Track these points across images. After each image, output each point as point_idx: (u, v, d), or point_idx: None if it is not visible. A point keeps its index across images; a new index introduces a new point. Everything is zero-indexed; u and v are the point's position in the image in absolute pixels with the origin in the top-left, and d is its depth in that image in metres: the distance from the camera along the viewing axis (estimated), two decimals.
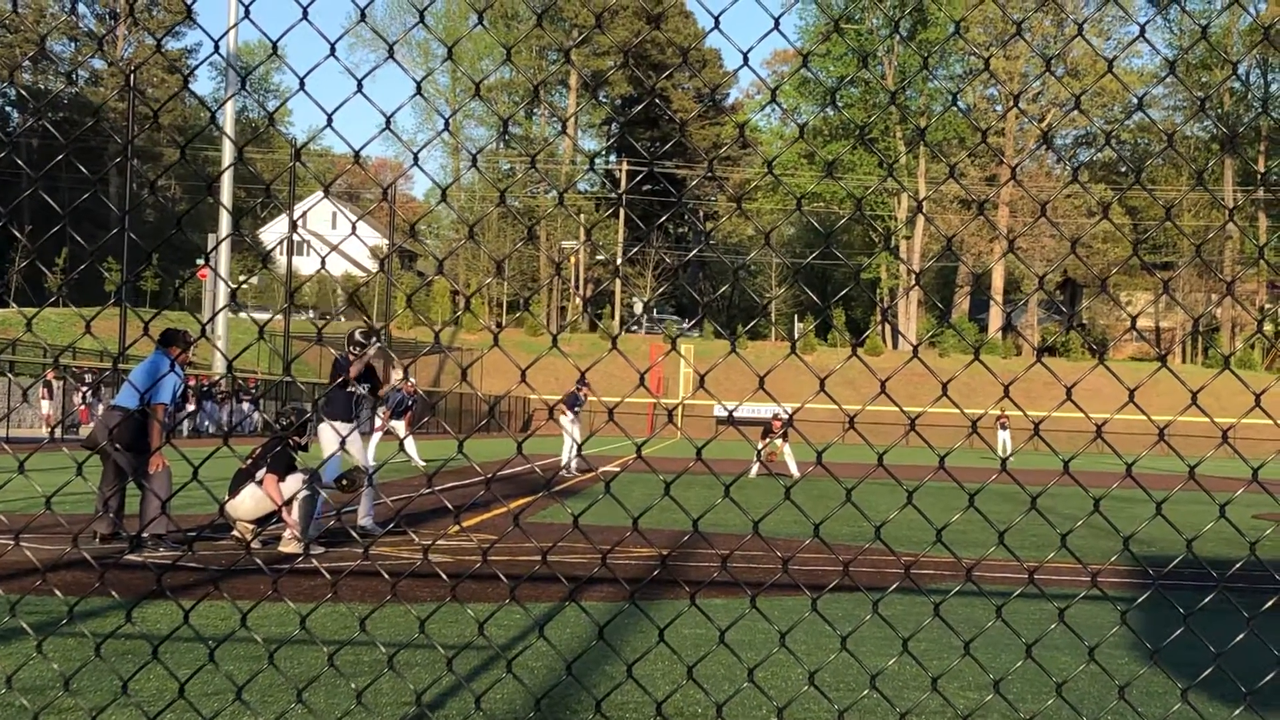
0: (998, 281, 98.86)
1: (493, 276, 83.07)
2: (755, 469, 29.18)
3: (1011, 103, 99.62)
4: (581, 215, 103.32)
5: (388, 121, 4.15)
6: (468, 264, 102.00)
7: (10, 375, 43.88)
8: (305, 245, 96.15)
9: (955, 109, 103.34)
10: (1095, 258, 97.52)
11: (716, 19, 4.18)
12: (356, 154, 4.12)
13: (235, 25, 4.26)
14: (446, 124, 4.31)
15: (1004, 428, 38.95)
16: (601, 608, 9.03)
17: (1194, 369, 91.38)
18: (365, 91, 4.14)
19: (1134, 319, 4.15)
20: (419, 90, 4.21)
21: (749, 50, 4.15)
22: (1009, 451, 34.18)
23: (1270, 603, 4.16)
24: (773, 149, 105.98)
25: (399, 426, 29.62)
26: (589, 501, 17.88)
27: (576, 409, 28.45)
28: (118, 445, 12.89)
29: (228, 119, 55.36)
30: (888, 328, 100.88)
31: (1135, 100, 3.82)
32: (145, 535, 12.55)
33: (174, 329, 12.84)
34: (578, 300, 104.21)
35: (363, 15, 4.05)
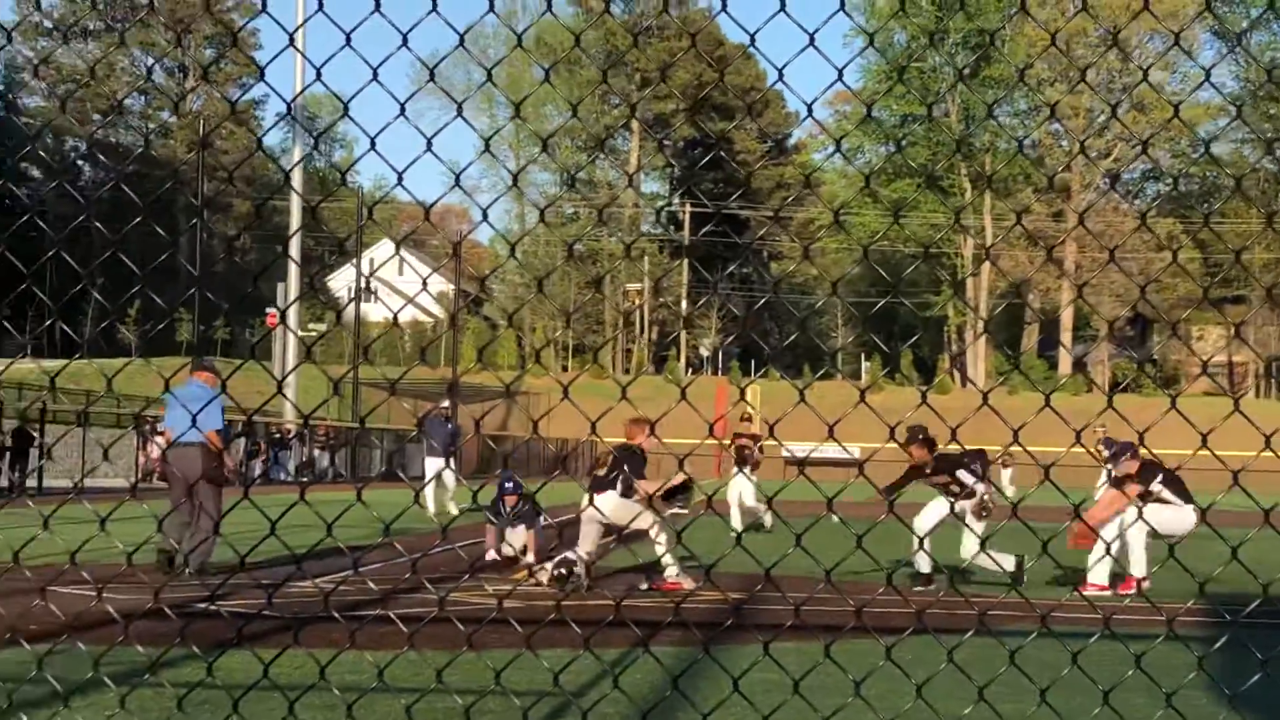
0: (1066, 319, 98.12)
1: (558, 331, 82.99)
2: (769, 518, 24.70)
3: (1078, 147, 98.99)
4: (646, 259, 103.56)
5: (457, 179, 4.22)
6: (533, 308, 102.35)
7: (84, 427, 44.39)
8: (373, 293, 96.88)
9: (1020, 146, 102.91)
10: (1166, 292, 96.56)
11: (780, 70, 4.23)
12: (427, 211, 4.20)
13: (306, 88, 4.35)
14: (515, 180, 4.37)
15: (1005, 466, 37.58)
16: (676, 653, 9.04)
17: (1269, 404, 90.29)
18: (433, 140, 4.21)
19: (1205, 364, 4.13)
20: (487, 147, 4.29)
21: (812, 102, 4.19)
22: (1012, 491, 32.87)
23: None
24: (837, 188, 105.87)
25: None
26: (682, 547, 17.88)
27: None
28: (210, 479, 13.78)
29: (295, 170, 55.94)
30: (957, 367, 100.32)
31: (1203, 141, 3.83)
32: (191, 561, 13.22)
33: (207, 358, 14.17)
34: (643, 343, 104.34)
35: (431, 76, 4.13)
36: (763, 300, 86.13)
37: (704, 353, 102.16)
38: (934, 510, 14.73)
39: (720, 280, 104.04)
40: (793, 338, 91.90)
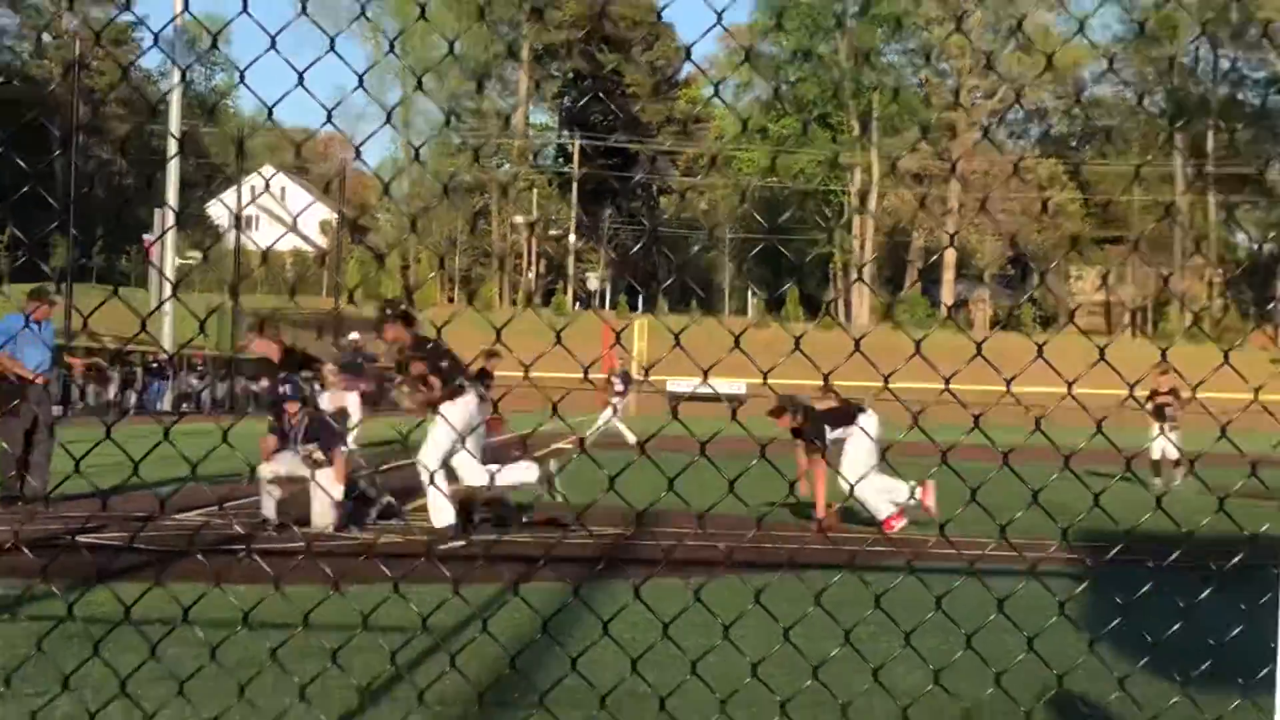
0: (950, 257, 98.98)
1: (433, 274, 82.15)
2: (632, 437, 29.75)
3: (953, 98, 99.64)
4: (535, 191, 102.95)
5: (328, 117, 4.13)
6: (419, 238, 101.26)
7: None
8: (254, 220, 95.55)
9: (908, 84, 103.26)
10: (1048, 232, 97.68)
11: (659, 13, 4.19)
12: (298, 149, 4.12)
13: (178, 15, 4.23)
14: (389, 117, 4.29)
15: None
16: (555, 589, 9.06)
17: (1146, 343, 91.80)
18: (320, 63, 4.13)
19: (1072, 314, 4.17)
20: (361, 83, 4.19)
21: (690, 46, 4.16)
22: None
23: (1222, 586, 4.20)
24: (726, 124, 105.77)
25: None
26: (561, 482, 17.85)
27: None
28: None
29: (174, 94, 54.93)
30: (842, 302, 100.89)
31: (1074, 95, 3.86)
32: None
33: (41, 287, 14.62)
34: (529, 277, 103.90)
35: (304, 8, 4.03)
36: (638, 244, 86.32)
37: (592, 287, 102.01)
38: (856, 460, 14.13)
39: (609, 206, 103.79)
40: (670, 282, 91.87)
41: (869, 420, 14.38)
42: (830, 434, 14.32)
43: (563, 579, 9.60)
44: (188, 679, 4.89)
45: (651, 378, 64.72)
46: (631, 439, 30.78)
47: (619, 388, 31.38)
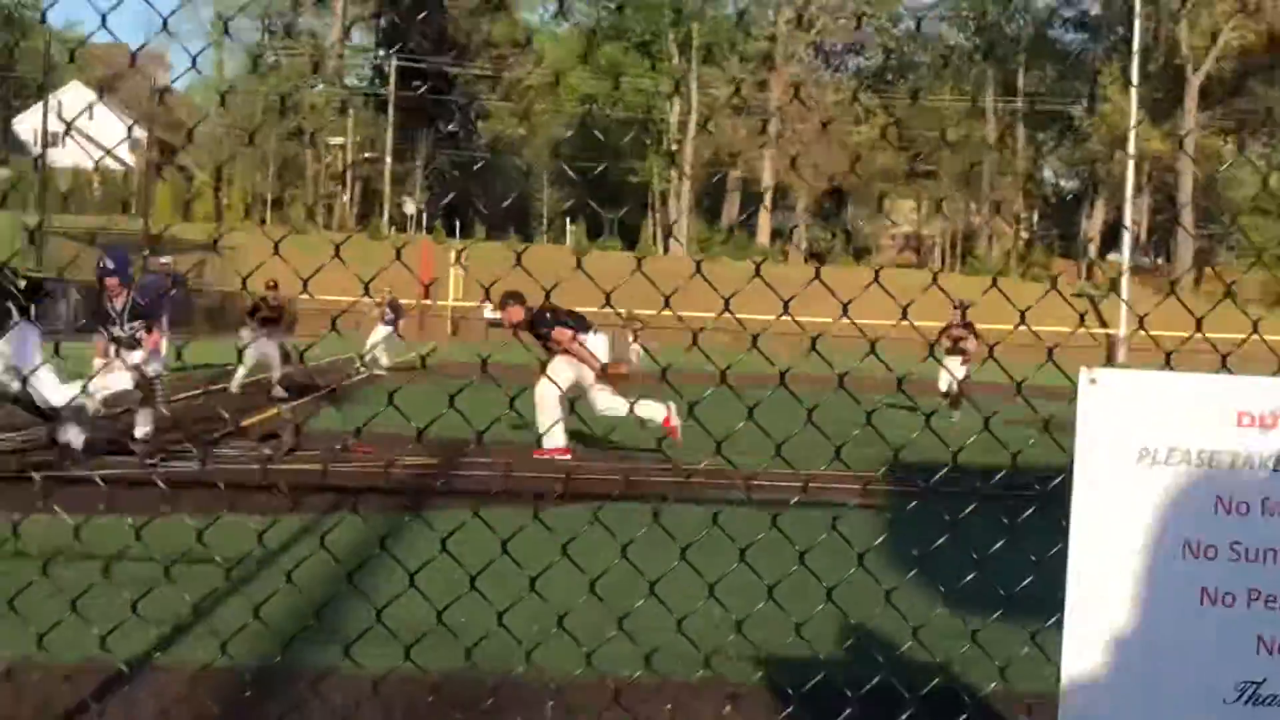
0: (767, 200, 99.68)
1: (245, 217, 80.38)
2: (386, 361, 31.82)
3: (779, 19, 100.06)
4: (351, 113, 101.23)
5: (133, 58, 4.04)
6: (230, 159, 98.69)
7: None
8: (61, 137, 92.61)
9: (725, 15, 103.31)
10: (862, 165, 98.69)
11: None
12: (100, 93, 4.01)
13: None
14: (193, 62, 4.20)
15: (636, 340, 33.12)
16: (363, 527, 9.02)
17: (956, 277, 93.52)
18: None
19: (877, 274, 4.26)
20: (164, 26, 4.10)
21: None
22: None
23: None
24: (548, 49, 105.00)
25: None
26: (367, 409, 17.74)
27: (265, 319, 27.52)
28: None
29: None
30: (660, 231, 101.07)
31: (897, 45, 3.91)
32: None
33: None
34: (344, 201, 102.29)
35: None
36: (457, 178, 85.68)
37: (408, 212, 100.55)
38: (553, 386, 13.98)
39: (427, 130, 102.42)
40: (488, 219, 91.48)
41: (599, 340, 14.72)
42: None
43: (398, 503, 9.59)
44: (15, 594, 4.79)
45: (468, 304, 64.40)
46: (385, 362, 31.19)
47: (388, 316, 31.76)
